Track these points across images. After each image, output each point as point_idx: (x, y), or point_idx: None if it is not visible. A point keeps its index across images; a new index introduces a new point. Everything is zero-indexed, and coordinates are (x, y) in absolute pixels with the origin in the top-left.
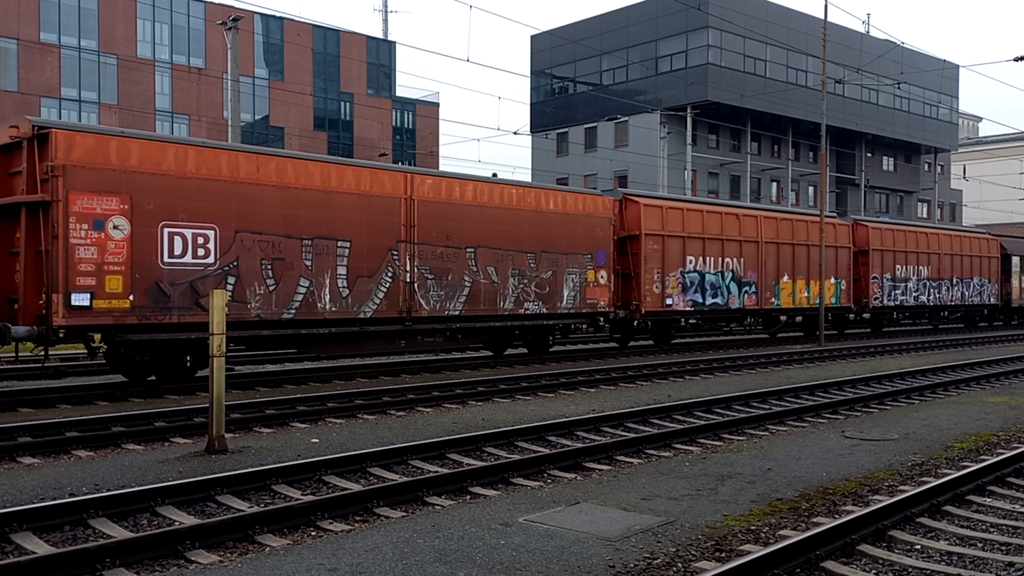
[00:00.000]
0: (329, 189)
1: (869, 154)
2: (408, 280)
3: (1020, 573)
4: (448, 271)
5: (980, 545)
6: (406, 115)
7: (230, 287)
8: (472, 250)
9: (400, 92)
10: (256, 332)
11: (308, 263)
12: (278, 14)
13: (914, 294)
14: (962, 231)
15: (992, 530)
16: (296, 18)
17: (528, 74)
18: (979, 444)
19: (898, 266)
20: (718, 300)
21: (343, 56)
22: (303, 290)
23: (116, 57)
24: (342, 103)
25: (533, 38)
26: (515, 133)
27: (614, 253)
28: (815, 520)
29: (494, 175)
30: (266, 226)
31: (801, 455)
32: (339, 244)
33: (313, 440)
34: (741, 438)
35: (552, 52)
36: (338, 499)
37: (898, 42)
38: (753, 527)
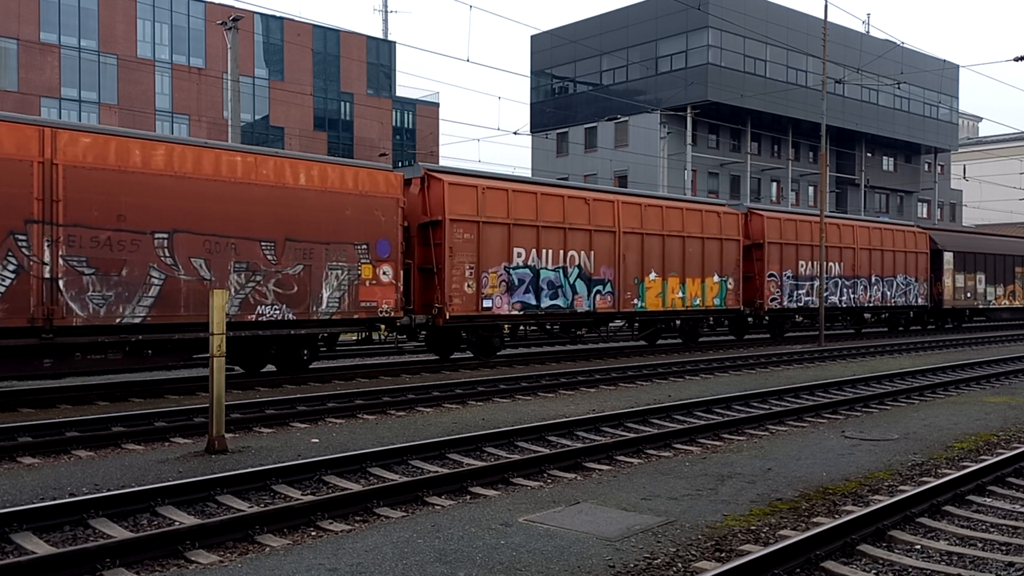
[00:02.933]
0: None
1: (869, 154)
2: (47, 276)
3: (1020, 573)
4: (122, 264)
5: (980, 545)
6: (406, 115)
7: None
8: (165, 236)
9: (400, 92)
10: None
11: None
12: (278, 14)
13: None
14: (884, 223)
15: (992, 530)
16: (296, 18)
17: (528, 74)
18: (979, 444)
19: (801, 262)
20: (559, 302)
21: (343, 56)
22: None
23: (116, 57)
24: (342, 103)
25: (533, 38)
26: (515, 133)
27: (413, 243)
28: (815, 520)
29: None
30: None
31: (801, 455)
32: None
33: (313, 440)
34: (741, 438)
35: (552, 52)
36: (338, 499)
37: (898, 42)
38: (753, 527)
